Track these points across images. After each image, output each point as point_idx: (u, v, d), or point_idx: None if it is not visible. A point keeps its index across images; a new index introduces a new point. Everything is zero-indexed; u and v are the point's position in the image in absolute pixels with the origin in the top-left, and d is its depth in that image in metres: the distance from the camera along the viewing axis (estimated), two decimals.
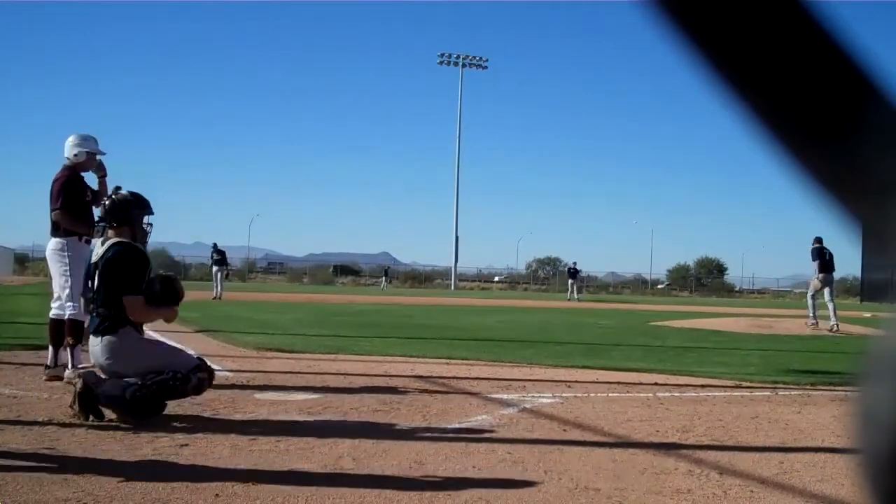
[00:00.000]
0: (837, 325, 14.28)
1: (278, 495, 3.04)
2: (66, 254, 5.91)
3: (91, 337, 4.49)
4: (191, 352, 4.68)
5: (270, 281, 67.89)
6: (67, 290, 5.84)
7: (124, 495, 2.97)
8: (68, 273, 5.85)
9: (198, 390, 4.51)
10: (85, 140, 6.18)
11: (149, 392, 4.29)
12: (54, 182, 6.05)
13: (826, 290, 14.65)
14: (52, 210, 6.00)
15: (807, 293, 15.57)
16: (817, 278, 14.65)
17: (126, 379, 4.29)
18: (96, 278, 4.59)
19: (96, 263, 4.65)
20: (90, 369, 4.49)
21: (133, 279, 4.55)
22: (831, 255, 14.61)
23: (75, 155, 6.12)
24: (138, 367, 4.30)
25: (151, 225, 5.04)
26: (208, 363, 4.75)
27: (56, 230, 6.00)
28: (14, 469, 3.29)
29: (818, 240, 14.68)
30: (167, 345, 4.58)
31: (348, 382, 6.15)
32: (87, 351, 4.57)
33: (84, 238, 6.04)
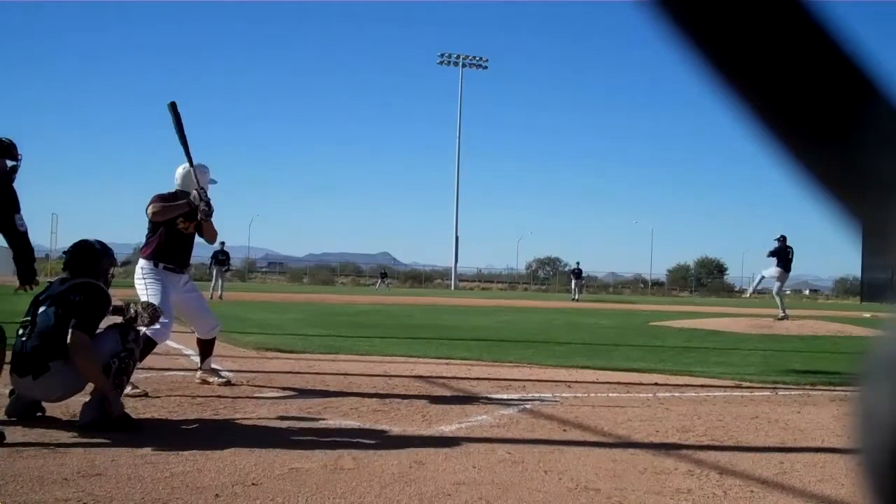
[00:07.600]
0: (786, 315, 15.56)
1: (278, 495, 3.04)
2: (142, 275, 5.68)
3: (24, 379, 4.21)
4: (104, 326, 4.52)
5: (270, 281, 67.88)
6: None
7: (124, 495, 2.97)
8: (145, 294, 5.53)
9: (148, 346, 4.67)
10: (204, 172, 5.93)
11: (118, 390, 4.31)
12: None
13: (777, 284, 15.65)
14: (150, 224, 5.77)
15: (772, 290, 16.35)
16: (776, 274, 15.47)
17: (92, 398, 4.23)
18: (45, 308, 4.38)
19: (50, 296, 4.45)
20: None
21: (92, 318, 4.39)
22: (792, 254, 15.46)
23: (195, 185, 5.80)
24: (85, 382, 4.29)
25: (114, 276, 4.89)
26: (125, 323, 4.63)
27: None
28: (14, 469, 3.29)
29: (783, 238, 15.46)
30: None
31: (348, 382, 6.15)
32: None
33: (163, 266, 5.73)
